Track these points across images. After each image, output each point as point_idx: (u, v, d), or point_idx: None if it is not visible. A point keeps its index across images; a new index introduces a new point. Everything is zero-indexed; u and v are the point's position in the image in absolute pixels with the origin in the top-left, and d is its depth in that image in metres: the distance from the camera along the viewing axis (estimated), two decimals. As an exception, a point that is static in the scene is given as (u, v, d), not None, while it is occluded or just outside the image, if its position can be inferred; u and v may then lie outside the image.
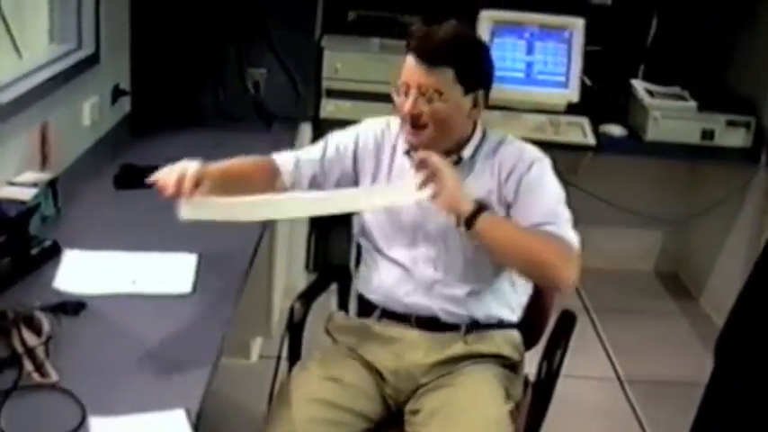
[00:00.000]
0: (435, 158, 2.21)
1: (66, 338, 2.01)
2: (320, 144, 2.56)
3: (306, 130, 4.10)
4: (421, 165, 2.22)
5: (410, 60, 2.31)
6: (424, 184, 2.20)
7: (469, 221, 2.22)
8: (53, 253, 2.42)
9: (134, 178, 3.10)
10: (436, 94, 2.29)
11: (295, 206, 2.39)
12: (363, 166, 2.52)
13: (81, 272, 2.36)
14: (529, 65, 4.37)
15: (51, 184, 2.66)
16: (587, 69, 4.38)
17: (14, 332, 1.96)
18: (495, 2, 4.36)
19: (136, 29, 3.78)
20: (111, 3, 3.42)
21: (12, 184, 2.59)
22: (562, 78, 4.35)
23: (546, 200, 2.35)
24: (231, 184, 2.27)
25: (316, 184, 2.50)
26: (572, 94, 4.35)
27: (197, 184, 2.14)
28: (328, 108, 4.16)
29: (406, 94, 2.32)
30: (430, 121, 2.31)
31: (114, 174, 3.09)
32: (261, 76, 3.98)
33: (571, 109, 4.35)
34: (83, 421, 1.73)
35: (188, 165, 2.16)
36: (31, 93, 2.74)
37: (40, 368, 1.89)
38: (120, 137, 3.61)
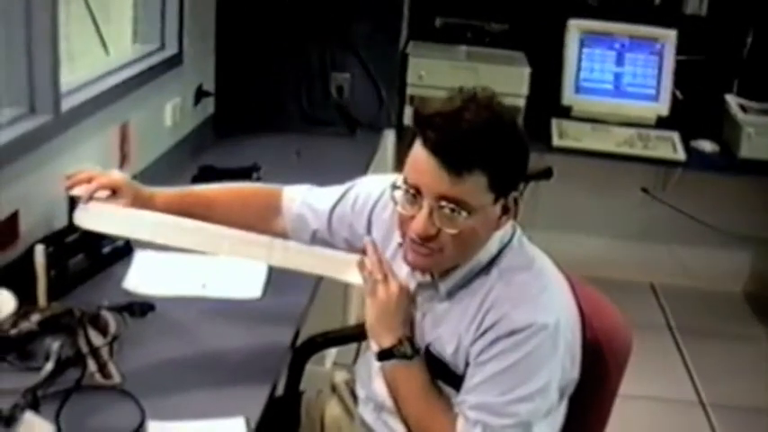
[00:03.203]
0: (381, 266, 1.89)
1: (131, 339, 2.00)
2: (339, 191, 2.10)
3: (389, 136, 4.07)
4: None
5: (426, 159, 1.67)
6: (364, 282, 1.90)
7: (379, 356, 1.88)
8: (125, 252, 2.42)
9: (212, 180, 3.10)
10: (462, 209, 1.69)
11: (216, 242, 1.98)
12: (373, 232, 2.01)
13: (151, 273, 2.36)
14: (618, 76, 4.29)
15: (128, 183, 2.66)
16: (679, 82, 4.28)
17: (80, 331, 1.95)
18: (585, 11, 4.28)
19: (221, 30, 3.79)
20: (195, 4, 3.42)
21: (89, 181, 2.59)
22: (652, 91, 4.27)
23: (497, 387, 1.72)
24: (200, 210, 2.05)
25: (318, 239, 2.10)
26: (662, 107, 4.26)
27: (112, 192, 1.99)
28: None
29: (414, 198, 1.72)
30: (448, 243, 1.73)
31: (192, 175, 3.09)
32: (345, 81, 3.95)
33: (661, 123, 4.26)
34: (141, 425, 1.71)
35: (110, 172, 2.07)
36: (112, 91, 2.74)
37: (103, 368, 1.88)
38: (202, 138, 3.61)
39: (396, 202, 1.77)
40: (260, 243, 2.01)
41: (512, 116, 1.76)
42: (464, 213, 1.69)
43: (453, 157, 1.65)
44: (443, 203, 1.69)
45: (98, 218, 1.99)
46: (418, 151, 1.69)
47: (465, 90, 1.72)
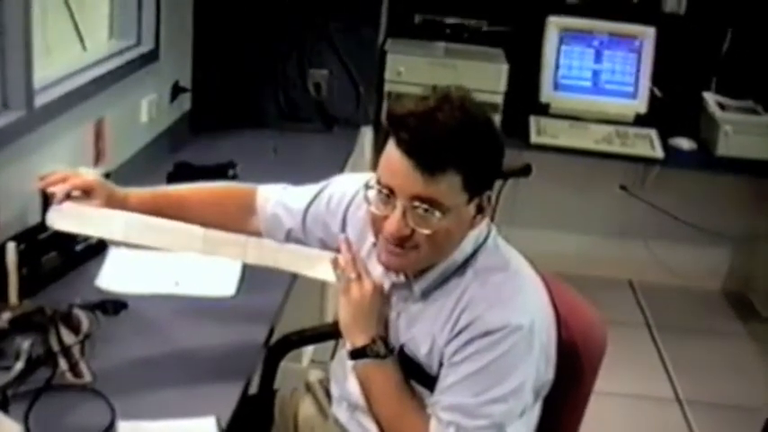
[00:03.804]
0: (355, 264, 1.88)
1: (103, 338, 1.98)
2: (314, 190, 2.08)
3: (367, 133, 4.05)
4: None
5: (399, 160, 1.65)
6: (338, 279, 1.90)
7: (352, 354, 1.87)
8: (98, 250, 2.40)
9: (188, 177, 3.08)
10: (435, 209, 1.67)
11: (189, 241, 1.97)
12: (347, 231, 1.99)
13: (125, 270, 2.34)
14: (596, 73, 4.30)
15: (103, 179, 2.64)
16: (657, 79, 4.29)
17: (52, 329, 1.93)
18: (564, 8, 4.29)
19: (198, 26, 3.76)
20: (172, 0, 3.40)
21: (62, 178, 2.57)
22: (630, 88, 4.28)
23: (470, 388, 1.71)
24: (174, 210, 2.03)
25: (292, 239, 2.08)
26: (640, 104, 4.27)
27: (85, 193, 1.97)
28: (390, 112, 4.09)
29: (388, 198, 1.70)
30: (423, 244, 1.71)
31: (168, 172, 3.07)
32: (322, 78, 3.93)
33: (639, 120, 4.28)
34: (111, 425, 1.69)
35: (84, 171, 2.06)
36: (87, 87, 2.71)
37: (74, 368, 1.86)
38: (178, 134, 3.59)
39: (369, 203, 1.76)
40: (234, 242, 1.99)
41: (486, 115, 1.73)
42: (438, 214, 1.67)
43: (427, 158, 1.63)
44: (417, 204, 1.67)
45: (71, 218, 1.97)
46: (391, 152, 1.67)
47: (439, 89, 1.70)
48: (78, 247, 2.35)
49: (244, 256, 2.02)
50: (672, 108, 4.31)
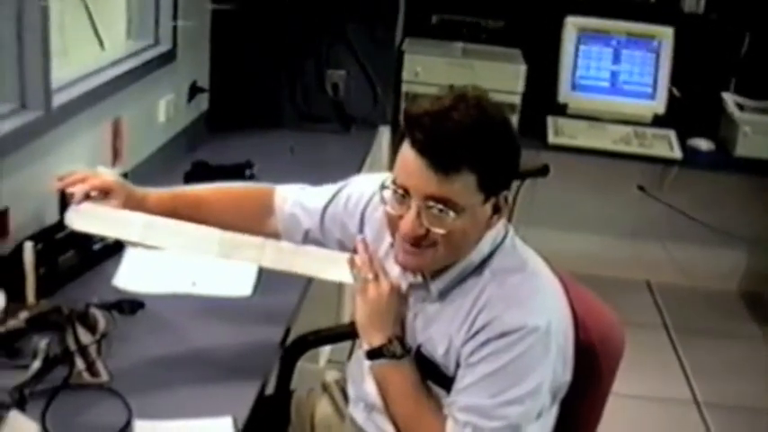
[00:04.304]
0: (372, 265, 1.88)
1: (120, 337, 1.98)
2: (332, 190, 2.08)
3: (385, 133, 4.05)
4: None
5: (414, 160, 1.65)
6: (355, 280, 1.90)
7: (368, 354, 1.87)
8: (115, 250, 2.40)
9: (205, 176, 3.08)
10: (450, 209, 1.67)
11: (207, 244, 1.95)
12: (365, 231, 1.99)
13: (142, 270, 2.34)
14: (614, 74, 4.29)
15: (120, 179, 2.65)
16: (676, 80, 4.27)
17: (69, 329, 1.94)
18: (582, 8, 4.27)
19: (216, 26, 3.77)
20: (190, 1, 3.40)
21: (80, 178, 2.57)
22: (649, 89, 4.26)
23: (487, 389, 1.70)
24: (192, 211, 2.04)
25: (311, 239, 2.08)
26: (659, 105, 4.25)
27: (104, 193, 1.98)
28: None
29: (403, 198, 1.70)
30: (439, 243, 1.71)
31: (185, 171, 3.07)
32: (340, 78, 3.93)
33: (657, 121, 4.25)
34: (127, 424, 1.69)
35: (102, 171, 2.06)
36: (104, 87, 2.72)
37: (91, 367, 1.86)
38: (196, 134, 3.59)
39: (385, 202, 1.76)
40: (251, 244, 1.98)
41: (502, 115, 1.72)
42: (452, 213, 1.66)
43: (441, 158, 1.63)
44: (431, 204, 1.67)
45: (89, 219, 1.98)
46: (406, 151, 1.67)
47: (456, 88, 1.70)
48: (95, 247, 2.36)
49: (261, 258, 2.01)
50: (690, 109, 4.29)
